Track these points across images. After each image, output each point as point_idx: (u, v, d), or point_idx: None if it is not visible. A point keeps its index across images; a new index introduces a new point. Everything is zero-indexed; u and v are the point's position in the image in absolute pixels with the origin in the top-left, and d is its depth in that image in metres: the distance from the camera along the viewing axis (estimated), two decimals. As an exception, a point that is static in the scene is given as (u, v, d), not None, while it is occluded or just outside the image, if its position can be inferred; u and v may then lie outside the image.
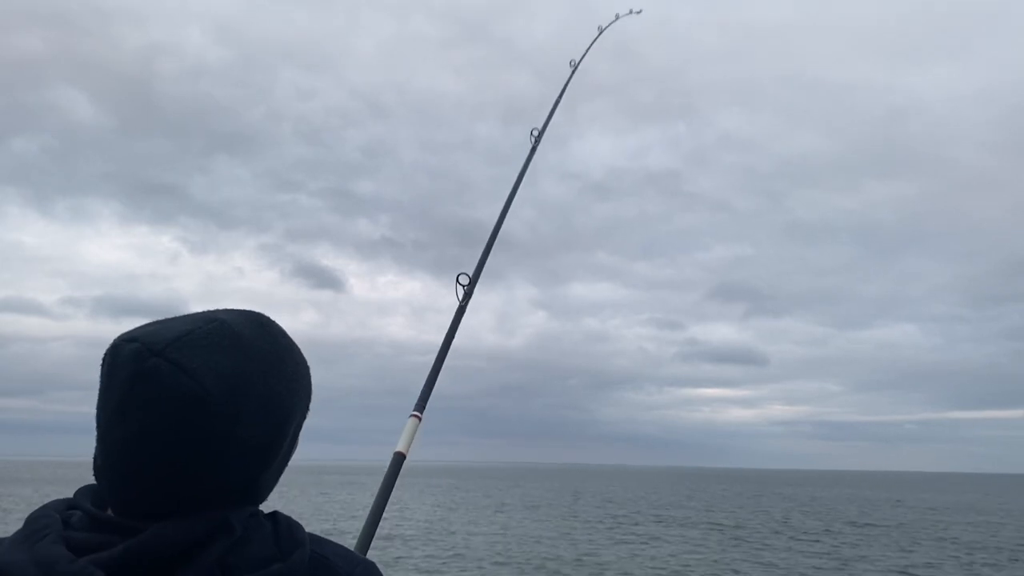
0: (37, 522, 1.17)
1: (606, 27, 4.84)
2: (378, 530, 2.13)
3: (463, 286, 2.94)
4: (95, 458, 1.22)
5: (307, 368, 1.33)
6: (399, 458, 2.35)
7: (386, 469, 2.31)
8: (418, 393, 2.58)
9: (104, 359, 1.19)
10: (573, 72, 4.27)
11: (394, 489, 2.26)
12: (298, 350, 1.32)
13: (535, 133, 3.64)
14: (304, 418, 1.31)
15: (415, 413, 2.47)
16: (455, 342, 2.84)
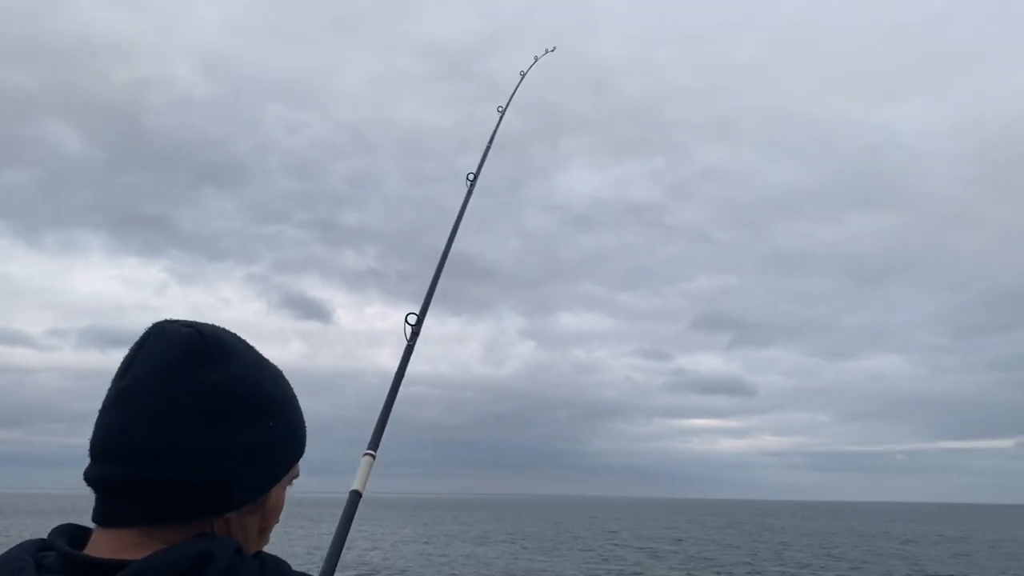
0: (7, 566, 1.13)
1: (527, 70, 5.01)
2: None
3: (411, 325, 2.96)
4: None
5: (301, 413, 1.34)
6: (355, 496, 2.38)
7: (344, 505, 2.35)
8: (386, 426, 2.62)
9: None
10: (501, 117, 4.42)
11: (356, 525, 2.30)
12: (295, 397, 1.35)
13: (470, 177, 3.74)
14: (286, 449, 1.28)
15: (369, 452, 2.51)
16: (409, 369, 2.91)
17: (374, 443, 2.57)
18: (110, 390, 1.21)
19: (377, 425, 2.63)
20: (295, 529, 50.50)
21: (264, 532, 1.30)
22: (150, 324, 1.26)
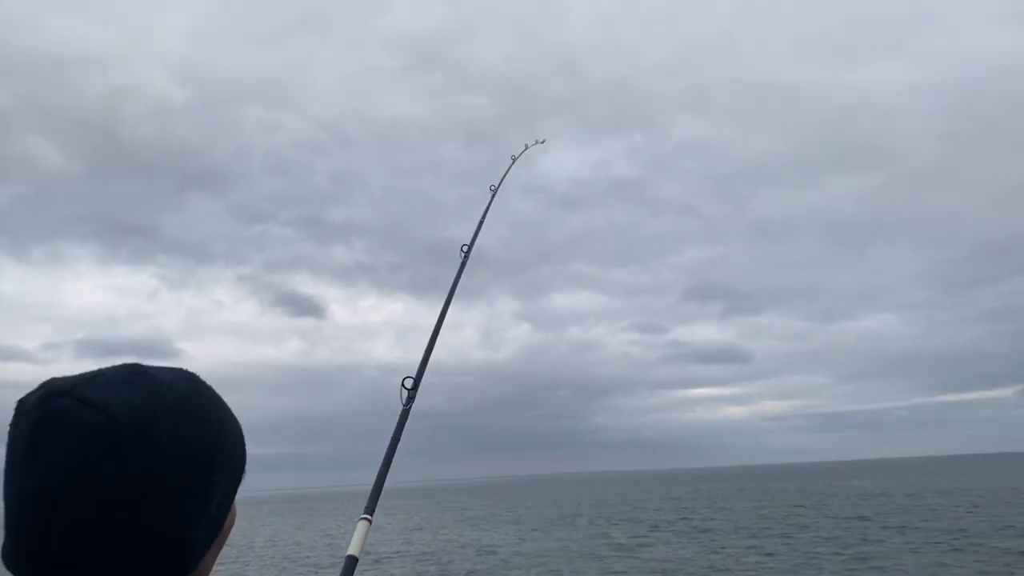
0: None
1: (518, 155, 5.29)
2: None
3: (407, 389, 2.92)
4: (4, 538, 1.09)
5: (238, 427, 1.19)
6: (351, 563, 2.22)
7: (340, 572, 2.20)
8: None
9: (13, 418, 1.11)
10: (493, 196, 4.62)
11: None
12: (227, 408, 1.19)
13: (464, 249, 3.88)
14: (234, 480, 1.16)
15: (365, 516, 2.41)
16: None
17: (370, 507, 2.48)
18: (9, 483, 1.08)
19: (373, 488, 2.57)
20: (308, 528, 50.40)
21: (222, 547, 1.19)
22: (20, 399, 1.12)
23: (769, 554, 21.39)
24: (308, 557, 27.43)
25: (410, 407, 2.91)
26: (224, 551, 1.17)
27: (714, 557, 21.31)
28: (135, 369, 1.11)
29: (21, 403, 1.11)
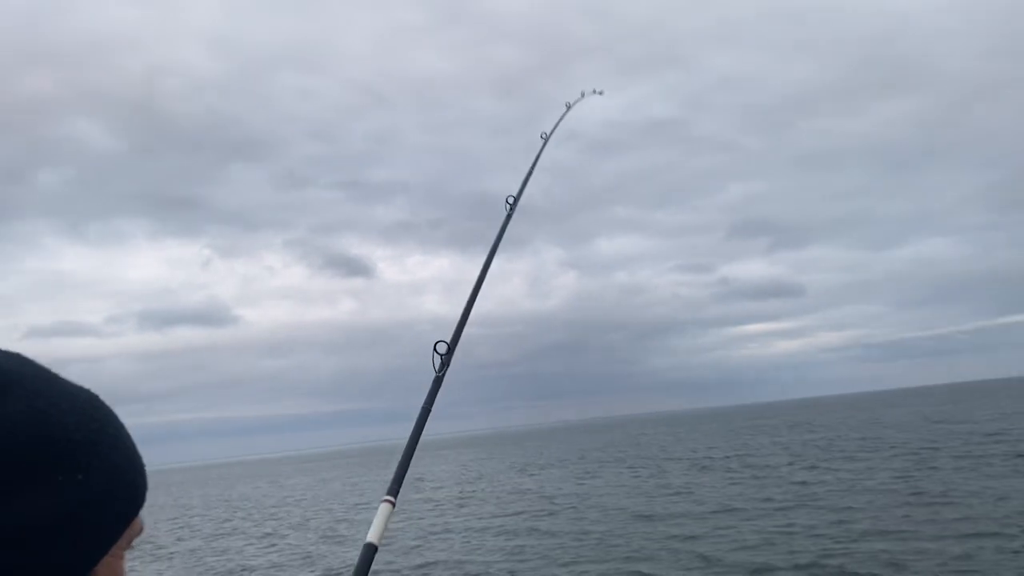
0: None
1: (573, 103, 5.17)
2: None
3: (440, 355, 2.65)
4: None
5: (125, 441, 0.97)
6: (370, 551, 2.01)
7: (357, 560, 1.98)
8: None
9: None
10: (545, 143, 4.49)
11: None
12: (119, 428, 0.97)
13: (510, 200, 3.72)
14: (125, 490, 0.94)
15: (388, 498, 2.20)
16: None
17: (394, 489, 2.27)
18: None
19: (398, 469, 2.32)
20: (368, 476, 51.60)
21: None
22: None
23: (809, 484, 20.97)
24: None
25: (443, 374, 2.65)
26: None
27: (770, 491, 20.99)
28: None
29: None
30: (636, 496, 23.39)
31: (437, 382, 2.63)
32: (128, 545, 0.98)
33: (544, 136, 4.61)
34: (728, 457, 35.37)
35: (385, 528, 2.12)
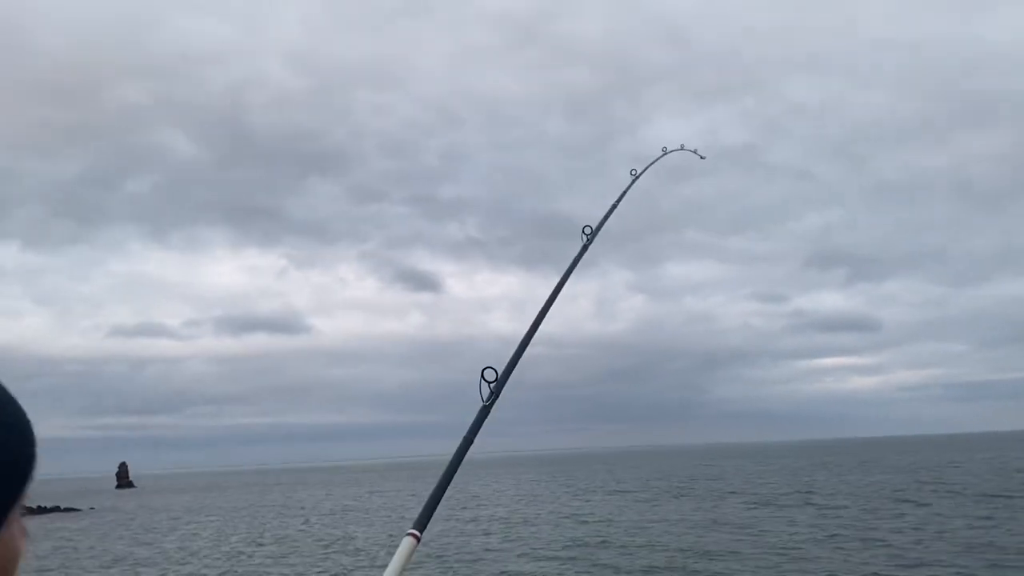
0: None
1: (671, 151, 5.14)
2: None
3: (488, 383, 2.38)
4: None
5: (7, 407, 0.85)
6: None
7: None
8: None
9: None
10: (633, 181, 4.49)
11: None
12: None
13: (587, 232, 3.64)
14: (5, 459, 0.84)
15: (413, 532, 1.94)
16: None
17: (422, 522, 2.02)
18: None
19: (429, 500, 2.10)
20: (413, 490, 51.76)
21: None
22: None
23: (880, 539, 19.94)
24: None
25: (492, 404, 2.37)
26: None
27: (814, 532, 20.07)
28: None
29: None
30: (687, 530, 22.69)
31: (484, 412, 2.36)
32: (19, 520, 0.86)
33: (634, 173, 4.54)
34: (787, 494, 34.13)
35: (405, 567, 1.86)
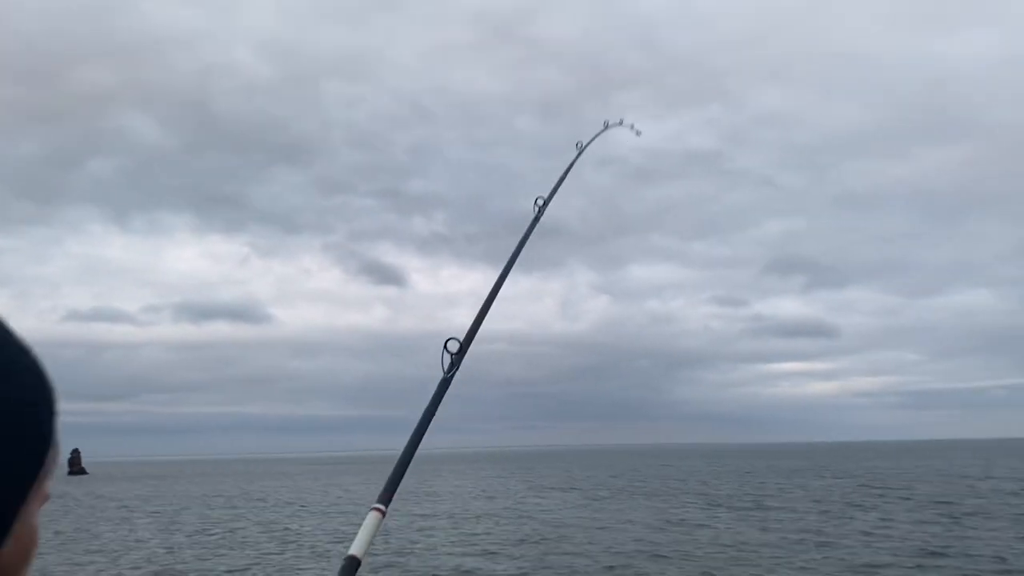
0: None
1: (612, 125, 5.25)
2: None
3: (450, 353, 2.37)
4: None
5: (28, 372, 0.74)
6: (352, 565, 1.79)
7: (336, 573, 1.77)
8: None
9: None
10: (579, 154, 4.49)
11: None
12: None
13: (539, 202, 3.64)
14: (32, 434, 0.71)
15: (378, 506, 1.94)
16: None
17: (385, 496, 2.00)
18: None
19: (392, 475, 2.06)
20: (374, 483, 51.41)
21: None
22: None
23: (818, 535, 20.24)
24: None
25: (452, 376, 2.37)
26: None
27: (765, 535, 20.31)
28: None
29: None
30: (640, 530, 22.83)
31: (444, 384, 2.34)
32: (43, 503, 0.73)
33: (579, 145, 4.53)
34: (740, 496, 34.55)
35: (372, 540, 1.86)
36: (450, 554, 18.81)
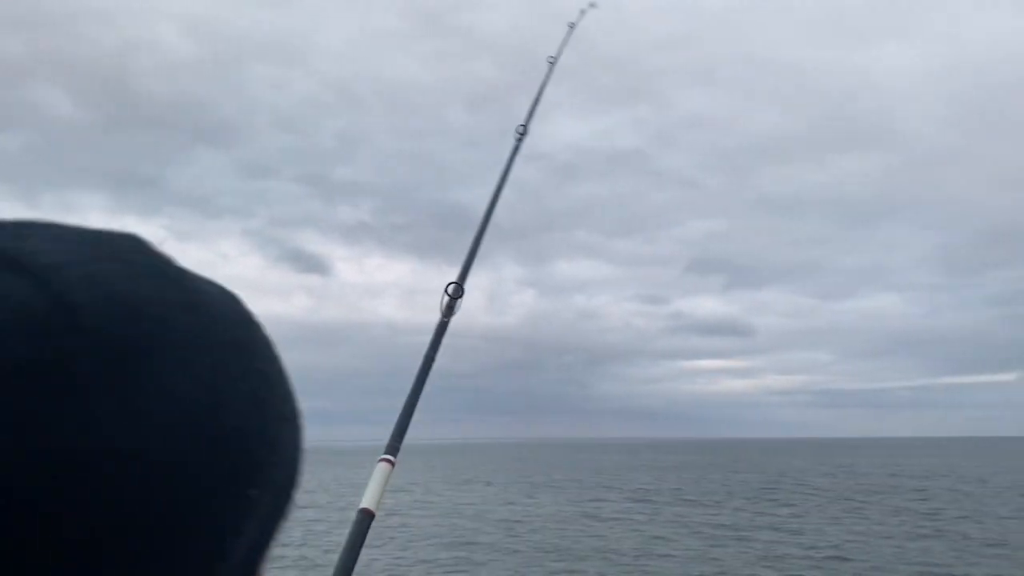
0: None
1: (576, 22, 4.81)
2: None
3: (449, 296, 2.30)
4: None
5: (295, 410, 0.58)
6: (366, 518, 1.75)
7: (350, 528, 1.74)
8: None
9: None
10: (552, 68, 4.19)
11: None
12: (284, 370, 0.59)
13: (520, 130, 3.48)
14: (281, 503, 0.54)
15: (387, 457, 1.90)
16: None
17: (393, 447, 1.95)
18: None
19: (397, 424, 2.00)
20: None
21: None
22: None
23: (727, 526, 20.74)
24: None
25: (449, 320, 2.30)
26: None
27: (679, 529, 20.68)
28: (135, 243, 0.53)
29: None
30: (557, 524, 22.93)
31: (442, 328, 2.28)
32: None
33: (551, 60, 4.19)
34: (658, 490, 35.18)
35: (383, 492, 1.82)
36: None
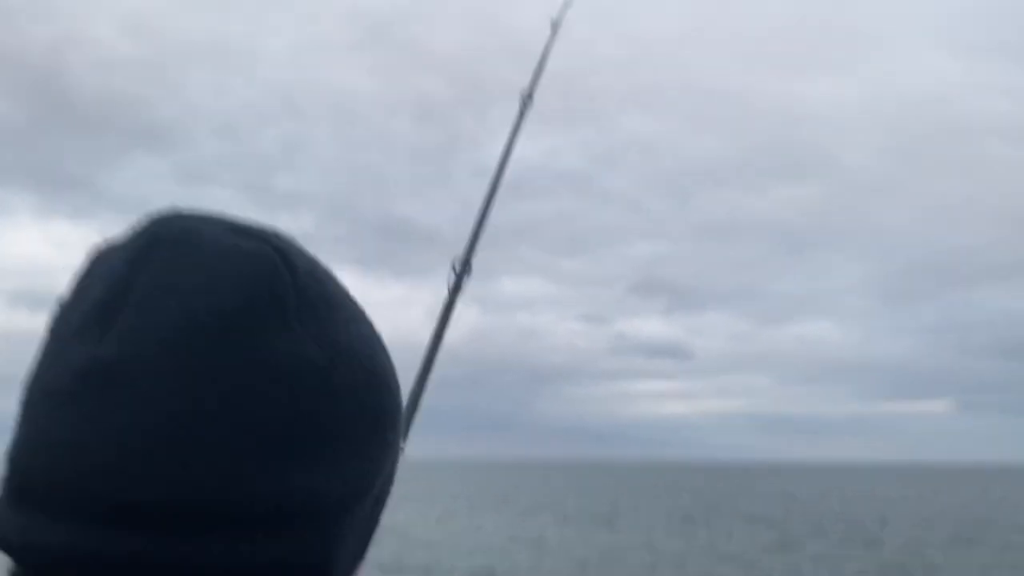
0: None
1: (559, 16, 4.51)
2: None
3: (455, 273, 2.06)
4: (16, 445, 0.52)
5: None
6: None
7: None
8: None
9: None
10: (554, 33, 3.59)
11: None
12: None
13: (525, 97, 3.03)
14: (391, 475, 0.64)
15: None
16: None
17: (402, 432, 1.43)
18: (63, 361, 0.53)
19: (405, 409, 1.51)
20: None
21: None
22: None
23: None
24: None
25: (456, 298, 2.10)
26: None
27: (615, 552, 20.85)
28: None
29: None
30: (489, 546, 22.87)
31: (448, 307, 2.12)
32: None
33: (554, 22, 4.02)
34: (592, 513, 35.38)
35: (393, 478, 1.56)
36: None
